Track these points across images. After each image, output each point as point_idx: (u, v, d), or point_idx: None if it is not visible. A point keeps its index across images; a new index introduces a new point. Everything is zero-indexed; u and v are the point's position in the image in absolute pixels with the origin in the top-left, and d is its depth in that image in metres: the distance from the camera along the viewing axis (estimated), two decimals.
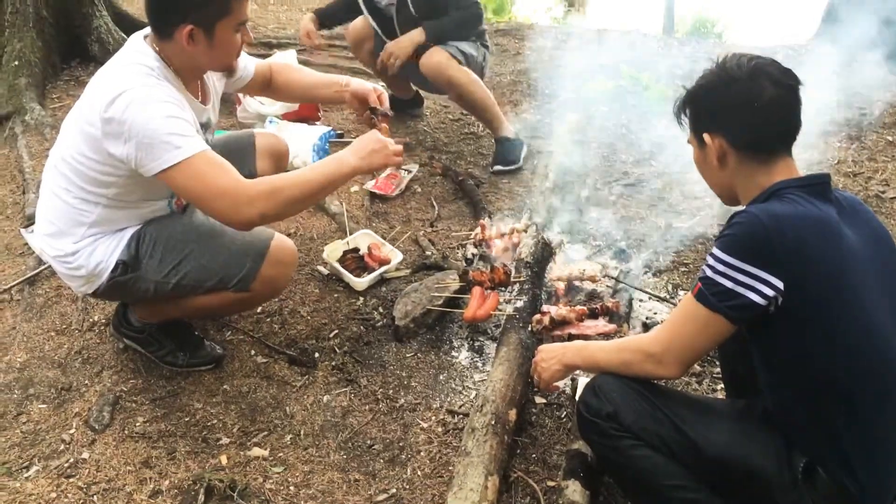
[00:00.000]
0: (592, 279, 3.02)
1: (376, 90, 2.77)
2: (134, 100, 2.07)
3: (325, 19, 4.43)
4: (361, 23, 4.29)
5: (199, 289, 2.42)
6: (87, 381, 2.63)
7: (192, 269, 2.37)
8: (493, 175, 4.18)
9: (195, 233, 2.41)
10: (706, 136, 1.81)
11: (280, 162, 2.98)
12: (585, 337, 2.65)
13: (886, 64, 5.60)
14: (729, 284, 1.63)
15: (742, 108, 1.75)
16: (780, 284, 1.59)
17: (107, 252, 2.34)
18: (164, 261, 2.36)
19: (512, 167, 4.21)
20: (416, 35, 3.96)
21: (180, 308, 2.56)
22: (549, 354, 2.13)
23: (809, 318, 1.63)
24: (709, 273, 1.68)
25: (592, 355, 2.01)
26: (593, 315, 2.77)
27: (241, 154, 2.75)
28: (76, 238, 2.33)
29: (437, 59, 3.96)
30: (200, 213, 2.42)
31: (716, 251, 1.68)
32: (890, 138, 4.53)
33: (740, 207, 1.79)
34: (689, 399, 2.09)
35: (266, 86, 2.84)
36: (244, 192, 2.15)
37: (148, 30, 2.27)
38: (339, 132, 4.48)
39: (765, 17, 10.50)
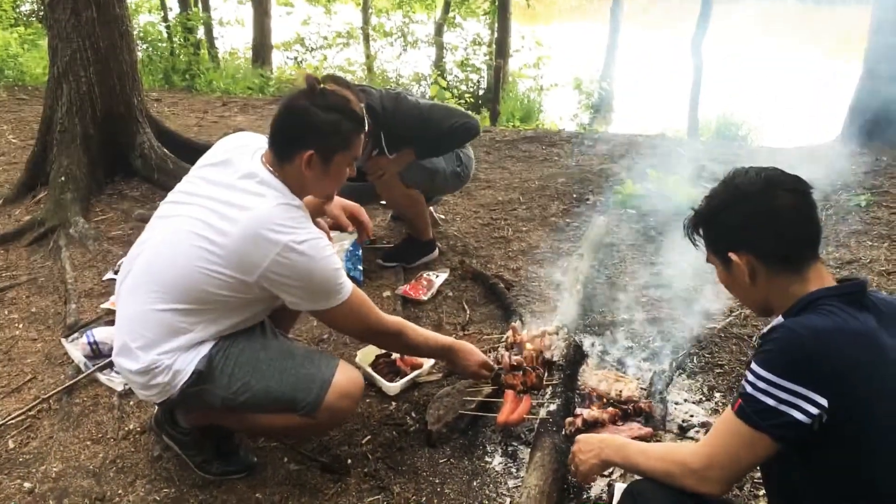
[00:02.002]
0: (631, 400, 2.93)
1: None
2: (310, 254, 2.23)
3: None
4: None
5: (266, 408, 2.45)
6: (120, 491, 2.62)
7: (261, 389, 2.40)
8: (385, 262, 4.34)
9: (267, 352, 2.45)
10: (733, 255, 1.80)
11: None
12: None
13: None
14: (771, 402, 1.60)
15: (765, 221, 1.75)
16: (825, 402, 1.55)
17: (186, 361, 2.35)
18: (234, 376, 2.38)
19: (398, 265, 4.31)
20: (406, 155, 4.00)
21: (243, 423, 2.58)
22: (588, 447, 2.10)
23: (855, 435, 1.58)
24: (749, 390, 1.64)
25: (632, 457, 1.96)
26: (626, 415, 2.73)
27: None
28: (165, 350, 2.32)
29: (394, 194, 4.14)
30: (276, 332, 2.62)
31: (756, 367, 1.64)
32: None
33: (777, 319, 1.77)
34: None
35: None
36: (377, 325, 2.52)
37: (250, 149, 2.42)
38: (371, 238, 4.56)
39: (789, 119, 10.64)
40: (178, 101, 8.61)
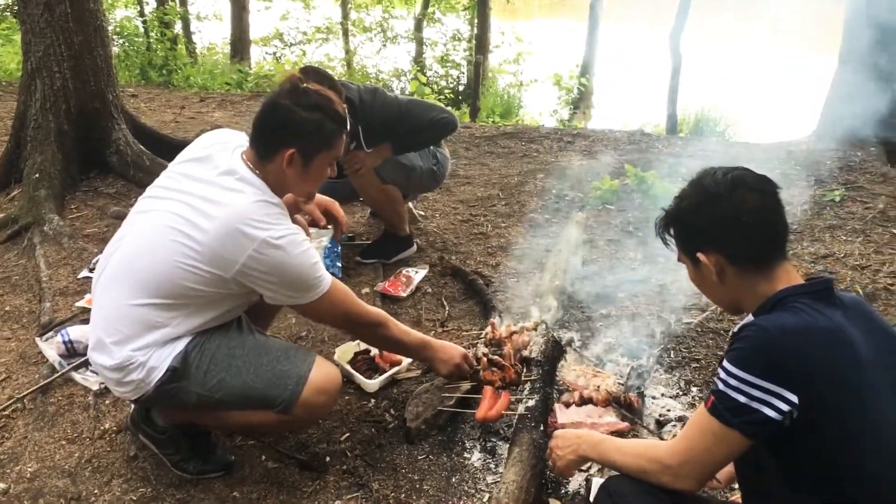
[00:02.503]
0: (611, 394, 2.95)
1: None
2: (288, 250, 2.24)
3: None
4: None
5: (242, 405, 2.44)
6: (96, 491, 2.60)
7: (236, 386, 2.39)
8: (360, 259, 4.35)
9: (243, 349, 2.44)
10: (701, 256, 1.83)
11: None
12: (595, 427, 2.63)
13: (884, 157, 5.72)
14: (743, 399, 1.62)
15: (732, 223, 1.78)
16: (795, 399, 1.58)
17: (161, 358, 2.33)
18: (209, 373, 2.37)
19: (376, 261, 4.33)
20: (384, 150, 4.00)
21: (219, 420, 2.57)
22: (565, 442, 2.12)
23: (825, 430, 1.61)
24: (721, 387, 1.66)
25: (608, 454, 1.98)
26: (618, 402, 2.76)
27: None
28: (140, 346, 2.31)
29: (369, 192, 4.16)
30: (253, 328, 2.60)
31: (727, 365, 1.66)
32: (894, 231, 4.56)
33: (748, 318, 1.80)
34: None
35: None
36: (359, 316, 2.56)
37: (231, 146, 2.42)
38: (350, 235, 4.56)
39: (767, 114, 10.73)
40: (154, 97, 8.53)
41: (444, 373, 2.84)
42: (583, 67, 14.85)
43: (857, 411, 1.61)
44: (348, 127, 2.47)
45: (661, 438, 2.76)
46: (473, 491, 2.62)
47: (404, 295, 3.95)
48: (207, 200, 2.26)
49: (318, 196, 2.95)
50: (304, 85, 2.37)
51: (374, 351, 3.26)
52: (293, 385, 2.40)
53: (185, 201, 2.29)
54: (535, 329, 3.24)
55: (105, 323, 2.36)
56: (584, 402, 2.73)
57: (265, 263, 2.22)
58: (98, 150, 5.36)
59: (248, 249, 2.19)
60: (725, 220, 1.78)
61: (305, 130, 2.33)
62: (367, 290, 3.99)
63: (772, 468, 1.72)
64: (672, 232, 1.93)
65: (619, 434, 2.65)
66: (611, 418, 2.76)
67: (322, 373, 2.47)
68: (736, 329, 1.75)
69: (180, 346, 2.35)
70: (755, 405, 1.60)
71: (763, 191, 1.77)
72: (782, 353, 1.60)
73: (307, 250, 2.30)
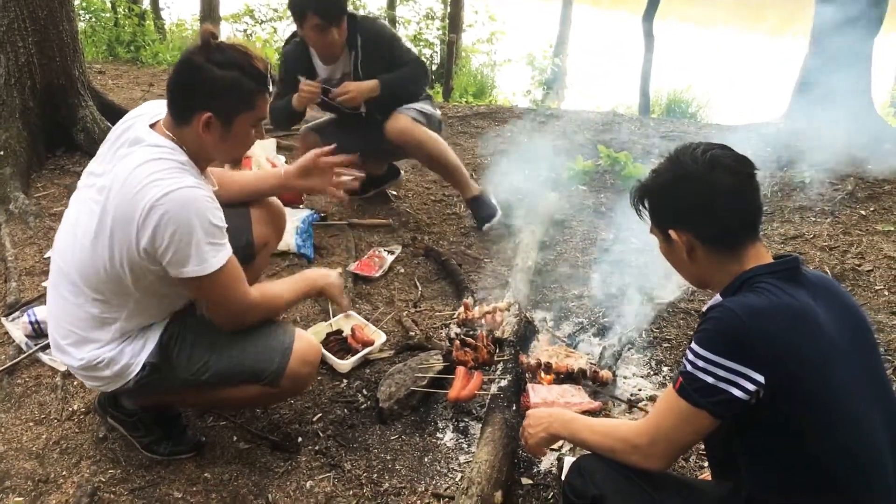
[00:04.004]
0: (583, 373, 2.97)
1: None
2: (183, 201, 2.04)
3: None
4: (312, 137, 4.37)
5: (228, 382, 2.40)
6: (64, 472, 2.57)
7: (223, 366, 2.35)
8: (483, 233, 4.36)
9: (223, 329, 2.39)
10: (672, 233, 1.83)
11: (278, 222, 2.89)
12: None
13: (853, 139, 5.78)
14: (710, 380, 1.63)
15: (705, 204, 1.77)
16: (762, 379, 1.59)
17: (134, 353, 2.28)
18: (192, 358, 2.34)
19: (495, 218, 4.37)
20: (373, 84, 4.03)
21: (202, 398, 2.52)
22: (537, 421, 2.13)
23: (792, 410, 1.62)
24: (689, 368, 1.67)
25: (579, 432, 1.99)
26: (593, 379, 2.82)
27: (238, 224, 2.60)
28: (100, 344, 2.26)
29: (403, 123, 4.10)
30: None
31: (695, 346, 1.67)
32: (863, 213, 4.63)
33: (716, 298, 1.81)
34: (677, 483, 2.05)
35: None
36: (247, 305, 2.31)
37: (146, 117, 2.24)
38: (322, 214, 4.52)
39: (737, 97, 10.80)
40: (122, 74, 8.36)
41: (336, 293, 2.72)
42: (556, 47, 14.82)
43: (821, 390, 1.62)
44: (270, 86, 2.24)
45: (633, 418, 2.78)
46: (446, 471, 2.62)
47: (377, 275, 3.93)
48: (105, 178, 2.12)
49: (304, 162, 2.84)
50: (218, 40, 2.15)
51: (347, 331, 3.24)
52: (279, 357, 2.37)
53: (93, 185, 2.17)
54: (508, 309, 3.24)
55: (56, 324, 2.32)
56: (546, 368, 2.77)
57: (152, 224, 2.02)
58: (64, 127, 5.25)
59: (138, 212, 2.02)
60: (699, 200, 1.77)
61: (220, 90, 2.12)
62: (339, 269, 3.96)
63: (739, 447, 1.74)
64: (646, 205, 1.92)
65: (592, 413, 2.67)
66: (583, 398, 2.78)
67: (304, 344, 2.45)
68: (704, 309, 1.76)
69: (153, 339, 2.31)
70: (722, 385, 1.62)
71: (739, 172, 1.76)
72: (748, 334, 1.61)
73: (205, 208, 2.08)
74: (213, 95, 2.13)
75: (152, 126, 2.21)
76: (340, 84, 4.08)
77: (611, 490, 1.81)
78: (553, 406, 2.66)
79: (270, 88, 2.24)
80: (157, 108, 2.29)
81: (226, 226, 2.18)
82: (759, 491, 1.72)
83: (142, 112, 2.30)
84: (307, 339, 2.50)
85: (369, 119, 4.23)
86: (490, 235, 4.42)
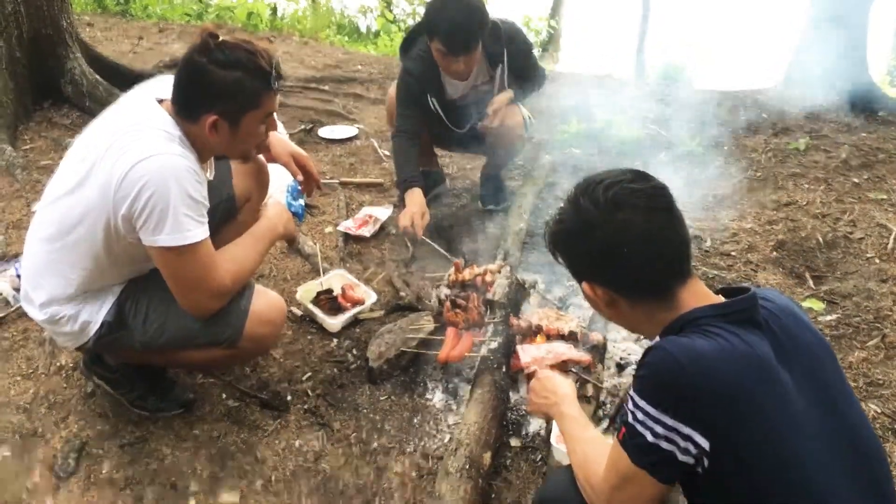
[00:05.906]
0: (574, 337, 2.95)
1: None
2: (163, 165, 2.02)
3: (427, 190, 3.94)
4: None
5: (187, 346, 2.37)
6: (52, 427, 2.57)
7: (178, 329, 2.31)
8: (485, 211, 4.25)
9: None
10: (586, 287, 1.61)
11: (261, 176, 2.85)
12: (562, 364, 2.60)
13: (849, 108, 5.76)
14: (650, 438, 1.39)
15: (612, 253, 1.52)
16: (707, 445, 1.35)
17: (92, 311, 2.28)
18: (148, 320, 2.31)
19: (500, 206, 4.25)
20: (510, 96, 3.80)
21: (167, 359, 2.51)
22: (543, 393, 2.01)
23: (742, 481, 1.37)
24: (630, 419, 1.44)
25: (568, 432, 1.84)
26: (576, 338, 2.78)
27: (218, 176, 2.56)
28: (61, 300, 2.26)
29: (518, 120, 3.92)
30: None
31: (633, 394, 1.44)
32: (856, 180, 4.62)
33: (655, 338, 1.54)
34: None
35: None
36: (220, 292, 2.24)
37: (156, 91, 2.23)
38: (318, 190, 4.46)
39: (733, 63, 10.70)
40: (111, 27, 8.20)
41: (294, 230, 2.69)
42: (552, 9, 14.64)
43: (775, 455, 1.37)
44: (275, 85, 2.18)
45: (622, 383, 2.79)
46: (435, 431, 2.63)
47: (368, 235, 3.90)
48: (121, 144, 2.08)
49: (294, 148, 2.82)
50: (219, 38, 2.10)
51: (337, 290, 3.23)
52: (234, 320, 2.33)
53: (86, 145, 2.17)
54: (499, 271, 3.23)
55: (27, 273, 2.32)
56: (535, 331, 2.76)
57: (130, 186, 2.00)
58: (52, 79, 5.16)
59: (116, 174, 2.01)
60: (605, 250, 1.53)
61: (224, 92, 2.09)
62: (329, 229, 3.94)
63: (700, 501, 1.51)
64: (557, 256, 1.69)
65: (583, 368, 2.63)
66: (573, 353, 2.73)
67: (263, 303, 2.40)
68: (644, 351, 1.49)
69: (110, 299, 2.30)
70: (663, 444, 1.38)
71: (649, 208, 1.50)
72: (691, 387, 1.36)
73: (185, 178, 2.04)
74: (218, 97, 2.10)
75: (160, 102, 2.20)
76: (469, 97, 3.83)
77: None
78: (542, 363, 2.60)
79: (275, 85, 2.18)
80: (158, 89, 2.27)
81: (207, 204, 2.15)
82: None
83: (150, 88, 2.28)
84: (266, 298, 2.43)
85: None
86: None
